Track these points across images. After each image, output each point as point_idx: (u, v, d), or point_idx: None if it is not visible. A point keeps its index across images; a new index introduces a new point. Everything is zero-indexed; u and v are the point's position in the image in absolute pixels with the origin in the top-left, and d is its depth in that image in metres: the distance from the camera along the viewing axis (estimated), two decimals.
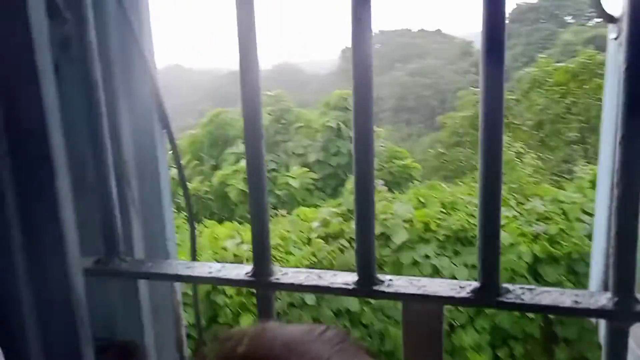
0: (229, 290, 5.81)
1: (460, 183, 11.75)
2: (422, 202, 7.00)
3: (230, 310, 5.76)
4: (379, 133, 11.59)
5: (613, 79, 1.21)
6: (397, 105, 41.48)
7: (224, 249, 6.24)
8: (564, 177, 12.94)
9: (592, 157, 13.01)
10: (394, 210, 6.67)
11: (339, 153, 9.46)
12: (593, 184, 6.83)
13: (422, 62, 44.27)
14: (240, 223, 7.79)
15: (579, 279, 6.02)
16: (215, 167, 9.76)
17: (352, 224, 6.64)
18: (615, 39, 1.16)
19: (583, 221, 6.27)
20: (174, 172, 1.62)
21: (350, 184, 7.13)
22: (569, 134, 13.07)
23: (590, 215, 6.39)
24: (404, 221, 6.51)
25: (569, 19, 48.68)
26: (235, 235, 6.63)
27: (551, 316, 5.90)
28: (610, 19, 1.13)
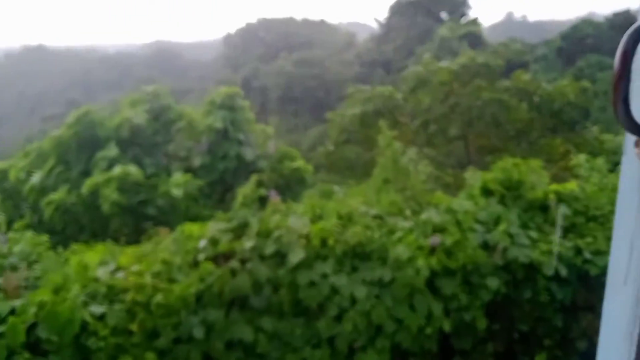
0: (103, 330, 5.00)
1: (352, 183, 11.72)
2: (318, 214, 6.64)
3: (105, 354, 4.96)
4: (267, 129, 11.08)
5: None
6: (283, 95, 41.19)
7: (96, 279, 5.37)
8: (448, 173, 13.41)
9: (472, 154, 13.62)
10: (289, 224, 6.22)
11: (227, 157, 8.77)
12: (483, 191, 6.93)
13: (307, 52, 44.32)
14: (115, 241, 6.88)
15: (473, 290, 6.05)
16: (85, 174, 8.54)
17: (245, 242, 6.09)
18: None
19: (475, 231, 6.30)
20: None
21: (241, 195, 6.55)
22: (451, 131, 13.53)
23: (482, 223, 6.45)
24: (300, 236, 6.09)
25: (444, 15, 51.59)
26: (108, 261, 5.77)
27: (446, 329, 5.86)
28: None
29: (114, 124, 8.77)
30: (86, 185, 7.88)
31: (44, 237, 6.49)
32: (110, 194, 7.40)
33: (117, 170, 7.71)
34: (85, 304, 5.24)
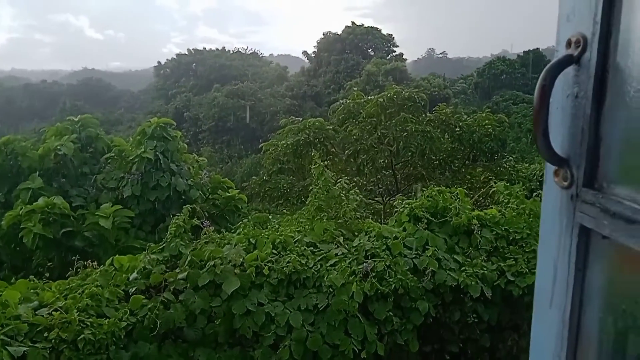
0: None
1: (285, 211, 11.82)
2: (253, 243, 6.66)
3: None
4: (200, 159, 11.01)
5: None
6: (216, 126, 41.07)
7: (16, 317, 5.08)
8: (377, 201, 13.84)
9: (400, 183, 14.17)
10: (224, 254, 6.19)
11: (158, 187, 8.63)
12: (411, 217, 7.21)
13: (240, 84, 44.58)
14: (38, 277, 6.53)
15: (404, 314, 6.25)
16: (6, 206, 8.08)
17: (177, 273, 5.98)
18: (568, 187, 0.97)
19: (405, 256, 6.53)
20: None
21: (174, 225, 6.45)
22: (380, 161, 14.03)
23: (411, 248, 6.70)
24: (234, 266, 6.08)
25: (370, 51, 53.71)
26: (31, 297, 5.48)
27: (381, 353, 5.99)
28: (560, 162, 0.98)
29: (38, 154, 8.43)
30: (6, 218, 7.46)
31: None
32: (34, 227, 7.06)
33: (41, 201, 7.38)
34: (4, 344, 4.93)
